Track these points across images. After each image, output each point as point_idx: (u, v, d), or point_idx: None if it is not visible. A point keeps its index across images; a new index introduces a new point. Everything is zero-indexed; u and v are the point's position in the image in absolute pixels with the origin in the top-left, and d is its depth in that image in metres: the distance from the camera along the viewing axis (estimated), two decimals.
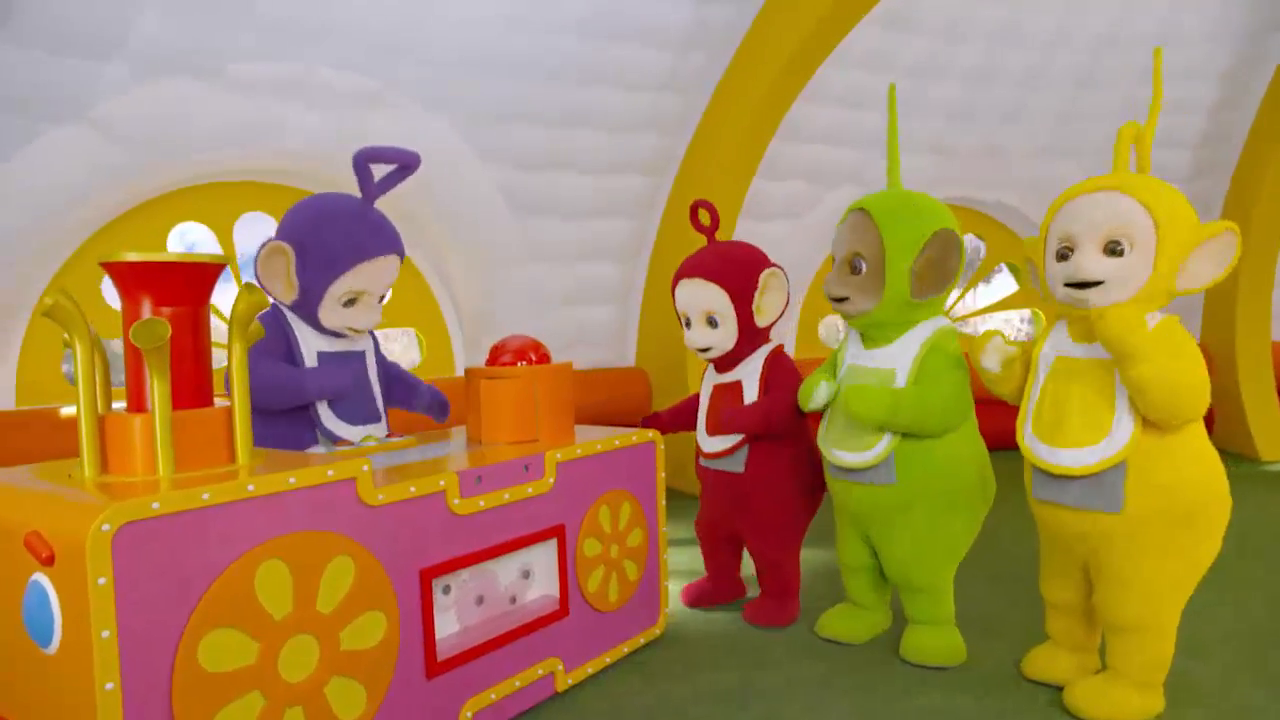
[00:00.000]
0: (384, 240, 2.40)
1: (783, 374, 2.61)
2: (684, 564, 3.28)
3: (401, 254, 2.48)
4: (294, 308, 2.38)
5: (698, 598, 2.83)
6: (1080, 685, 2.08)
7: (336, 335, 2.43)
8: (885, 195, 2.43)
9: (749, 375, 2.62)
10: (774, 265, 2.63)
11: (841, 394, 2.42)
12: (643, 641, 2.52)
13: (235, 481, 1.53)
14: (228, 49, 3.32)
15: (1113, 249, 1.90)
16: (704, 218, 2.78)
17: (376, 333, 2.65)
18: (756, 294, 2.57)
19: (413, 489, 1.84)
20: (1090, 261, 1.91)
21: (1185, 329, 1.95)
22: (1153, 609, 1.97)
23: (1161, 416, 1.85)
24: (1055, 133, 5.39)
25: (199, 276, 1.71)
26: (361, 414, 2.42)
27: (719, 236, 2.76)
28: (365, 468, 1.74)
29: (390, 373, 2.66)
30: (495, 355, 2.46)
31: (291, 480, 1.61)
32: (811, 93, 4.70)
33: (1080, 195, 1.97)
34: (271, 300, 2.40)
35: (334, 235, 2.31)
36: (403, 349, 5.75)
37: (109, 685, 1.35)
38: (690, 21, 4.16)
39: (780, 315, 2.65)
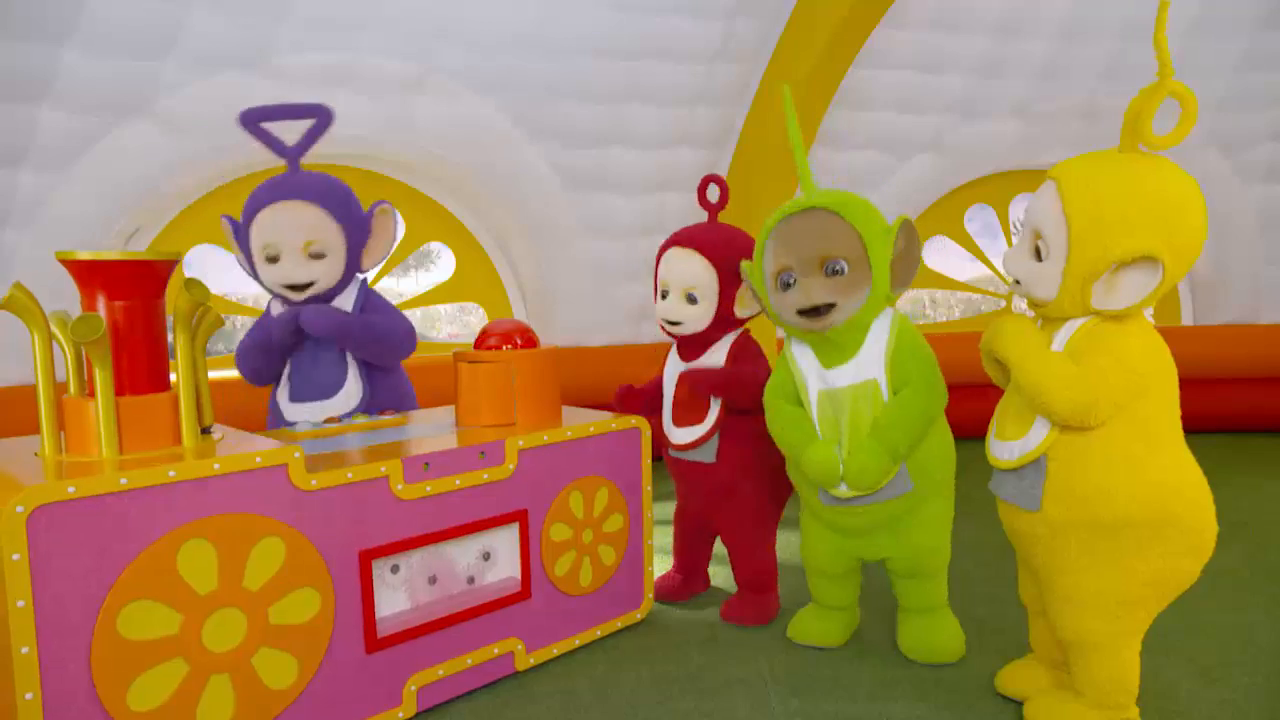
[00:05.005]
0: (282, 189, 2.48)
1: (750, 357, 2.54)
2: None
3: (316, 199, 2.49)
4: (259, 280, 2.56)
5: (669, 592, 2.77)
6: (1040, 699, 1.95)
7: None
8: (838, 191, 2.22)
9: (715, 363, 2.55)
10: None
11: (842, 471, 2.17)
12: (620, 625, 2.54)
13: (156, 468, 1.66)
14: (273, 42, 3.51)
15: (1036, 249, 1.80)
16: (712, 193, 2.72)
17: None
18: (744, 285, 2.49)
19: (350, 475, 1.93)
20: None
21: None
22: (1092, 624, 1.81)
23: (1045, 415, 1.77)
24: None
25: (149, 272, 1.84)
26: (316, 389, 2.53)
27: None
28: (296, 454, 1.84)
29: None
30: (481, 339, 2.52)
31: (216, 466, 1.72)
32: (879, 58, 4.48)
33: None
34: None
35: (248, 199, 2.51)
36: (479, 320, 5.95)
37: (24, 649, 1.51)
38: None
39: (757, 313, 2.55)
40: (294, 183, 2.50)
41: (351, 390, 2.56)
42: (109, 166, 3.49)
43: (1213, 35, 4.62)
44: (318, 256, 2.49)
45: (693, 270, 2.52)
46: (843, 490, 2.17)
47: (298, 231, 2.46)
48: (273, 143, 2.55)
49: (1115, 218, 1.68)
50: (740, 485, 2.54)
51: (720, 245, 2.55)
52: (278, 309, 2.58)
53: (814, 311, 2.14)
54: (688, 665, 2.33)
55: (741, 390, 2.47)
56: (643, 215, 4.68)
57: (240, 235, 2.51)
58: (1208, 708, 2.04)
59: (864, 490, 2.14)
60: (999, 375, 2.00)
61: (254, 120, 2.52)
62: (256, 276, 2.54)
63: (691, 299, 2.53)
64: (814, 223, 2.15)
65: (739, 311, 2.53)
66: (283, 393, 2.52)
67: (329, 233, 2.50)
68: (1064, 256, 1.73)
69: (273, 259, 2.46)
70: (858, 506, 2.21)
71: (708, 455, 2.53)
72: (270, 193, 2.47)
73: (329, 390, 2.54)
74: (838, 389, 2.17)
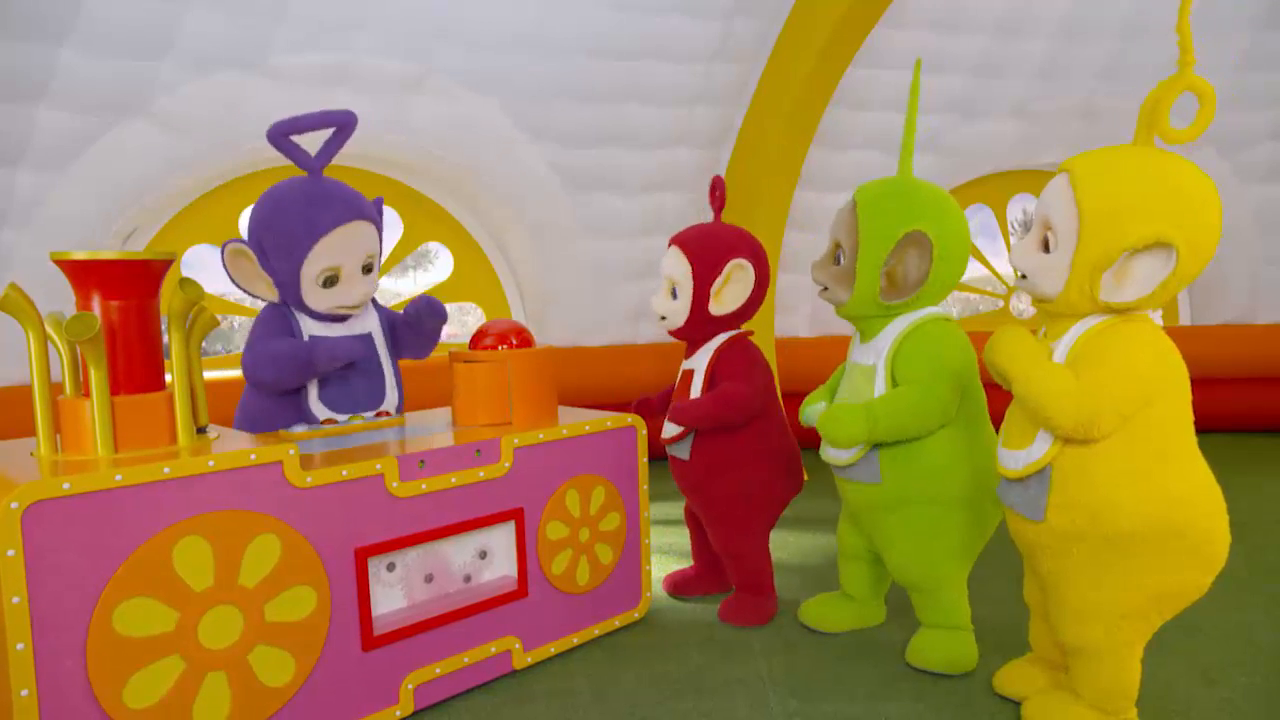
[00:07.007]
0: (337, 211, 2.33)
1: (732, 365, 2.51)
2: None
3: (369, 218, 2.41)
4: (286, 302, 2.40)
5: (678, 586, 2.80)
6: (1039, 699, 1.94)
7: (336, 319, 2.52)
8: (880, 184, 2.30)
9: (700, 365, 2.55)
10: (746, 258, 2.51)
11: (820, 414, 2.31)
12: (618, 624, 2.54)
13: (151, 464, 1.65)
14: (271, 42, 3.50)
15: (1044, 241, 1.74)
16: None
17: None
18: (719, 280, 2.50)
19: (345, 472, 1.93)
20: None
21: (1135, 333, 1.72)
22: (1092, 633, 1.79)
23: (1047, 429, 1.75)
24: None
25: (143, 272, 1.84)
26: (357, 399, 2.43)
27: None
28: (291, 452, 1.84)
29: (395, 325, 2.60)
30: (477, 339, 2.52)
31: (210, 464, 1.72)
32: (878, 57, 4.48)
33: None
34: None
35: (287, 221, 2.30)
36: (478, 321, 5.94)
37: (20, 645, 1.51)
38: None
39: (741, 308, 2.55)
40: (351, 202, 2.38)
41: (391, 396, 2.52)
42: (107, 166, 3.49)
43: (1213, 35, 4.62)
44: (368, 270, 2.43)
45: (675, 265, 2.57)
46: (826, 453, 2.34)
47: (360, 250, 2.38)
48: (297, 155, 2.41)
49: (1129, 204, 1.64)
50: (710, 484, 2.54)
51: (698, 240, 2.56)
52: (316, 329, 2.43)
53: (820, 288, 2.38)
54: (687, 665, 2.32)
55: (717, 416, 2.47)
56: (642, 215, 4.67)
57: (276, 259, 2.32)
58: (1207, 708, 2.04)
59: (831, 441, 2.25)
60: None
61: (283, 134, 2.37)
62: (296, 298, 2.37)
63: (674, 293, 2.58)
64: (846, 210, 2.31)
65: (715, 309, 2.53)
66: (313, 396, 2.41)
67: (376, 245, 2.46)
68: (1073, 245, 1.69)
69: (331, 281, 2.34)
70: (842, 479, 2.35)
71: (684, 452, 2.56)
72: (334, 215, 2.31)
73: (374, 400, 2.47)
74: (855, 364, 2.35)
